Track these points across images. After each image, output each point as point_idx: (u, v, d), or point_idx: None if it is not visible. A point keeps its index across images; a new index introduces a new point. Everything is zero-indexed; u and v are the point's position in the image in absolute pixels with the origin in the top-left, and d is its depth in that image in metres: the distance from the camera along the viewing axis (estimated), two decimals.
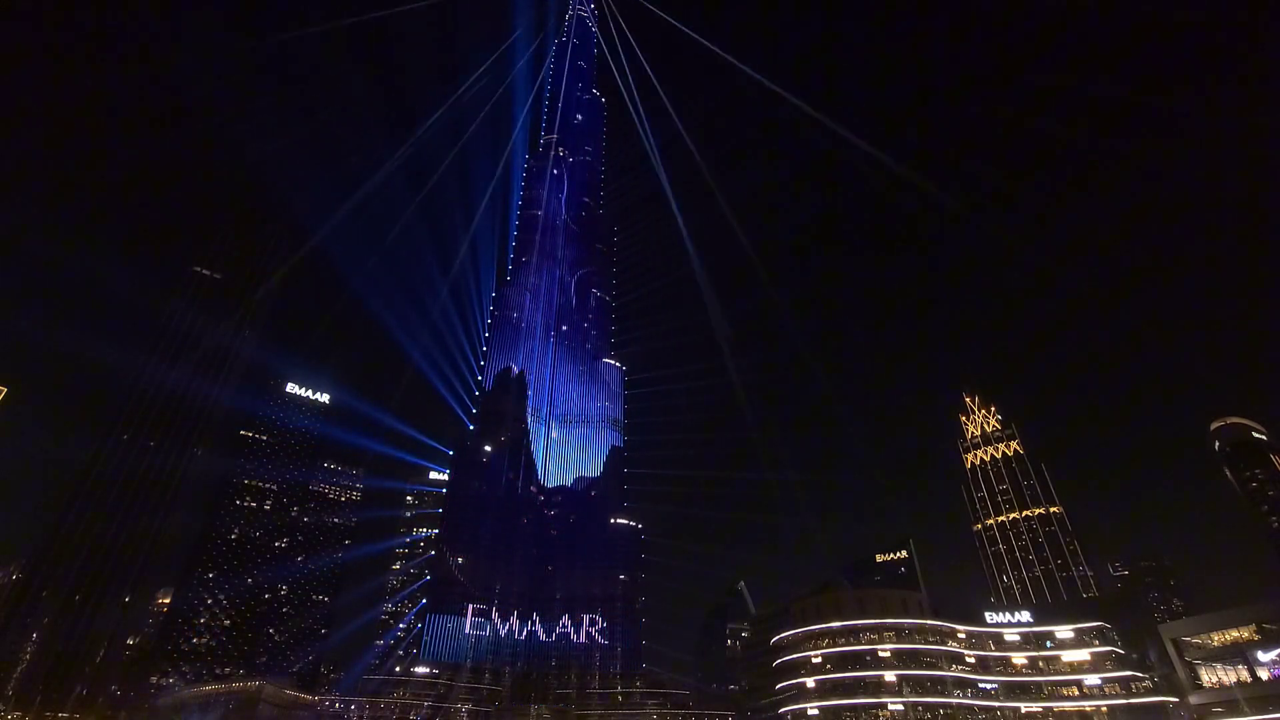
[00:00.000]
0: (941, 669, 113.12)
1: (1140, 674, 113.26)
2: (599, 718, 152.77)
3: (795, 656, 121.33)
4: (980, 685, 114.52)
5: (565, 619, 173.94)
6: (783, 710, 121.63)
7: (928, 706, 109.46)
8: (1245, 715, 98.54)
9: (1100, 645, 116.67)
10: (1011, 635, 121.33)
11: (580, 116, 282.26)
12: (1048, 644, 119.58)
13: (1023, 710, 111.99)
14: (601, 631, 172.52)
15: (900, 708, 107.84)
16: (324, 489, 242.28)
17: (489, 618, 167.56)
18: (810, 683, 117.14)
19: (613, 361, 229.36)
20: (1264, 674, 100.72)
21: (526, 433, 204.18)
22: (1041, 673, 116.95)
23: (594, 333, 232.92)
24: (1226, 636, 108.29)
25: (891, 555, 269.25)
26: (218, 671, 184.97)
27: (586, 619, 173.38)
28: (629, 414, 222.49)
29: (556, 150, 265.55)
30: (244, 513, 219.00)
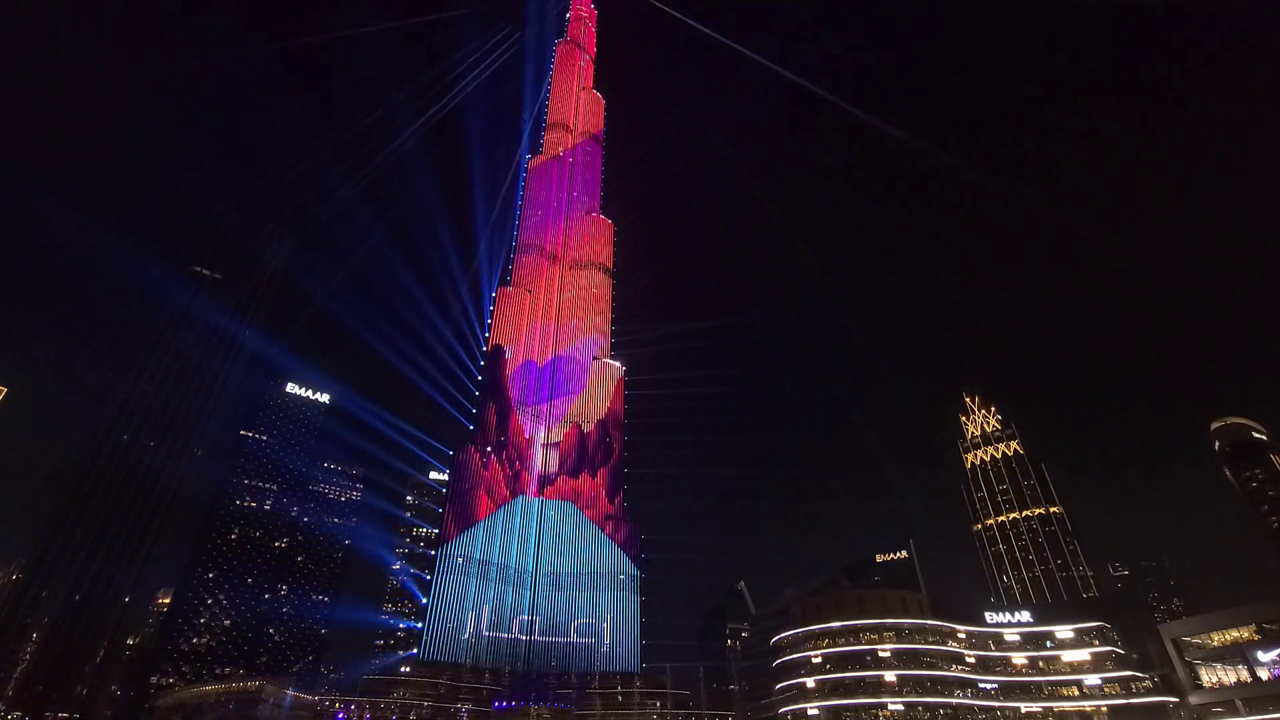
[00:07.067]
0: (942, 669, 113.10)
1: (1140, 674, 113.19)
2: (599, 718, 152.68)
3: (795, 656, 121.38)
4: (980, 685, 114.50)
5: (565, 619, 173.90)
6: (783, 710, 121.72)
7: (928, 706, 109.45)
8: (1245, 715, 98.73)
9: (1100, 645, 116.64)
10: (1011, 635, 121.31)
11: (580, 116, 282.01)
12: (1048, 644, 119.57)
13: (1023, 710, 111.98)
14: (601, 631, 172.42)
15: (900, 708, 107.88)
16: (324, 489, 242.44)
17: (489, 618, 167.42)
18: (810, 683, 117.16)
19: (613, 361, 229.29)
20: (1264, 674, 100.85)
21: (527, 432, 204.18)
22: (1041, 673, 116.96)
23: (595, 332, 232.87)
24: (1226, 636, 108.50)
25: (891, 555, 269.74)
26: (218, 671, 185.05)
27: (586, 619, 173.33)
28: (629, 414, 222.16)
29: (557, 149, 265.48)
30: (244, 513, 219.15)
